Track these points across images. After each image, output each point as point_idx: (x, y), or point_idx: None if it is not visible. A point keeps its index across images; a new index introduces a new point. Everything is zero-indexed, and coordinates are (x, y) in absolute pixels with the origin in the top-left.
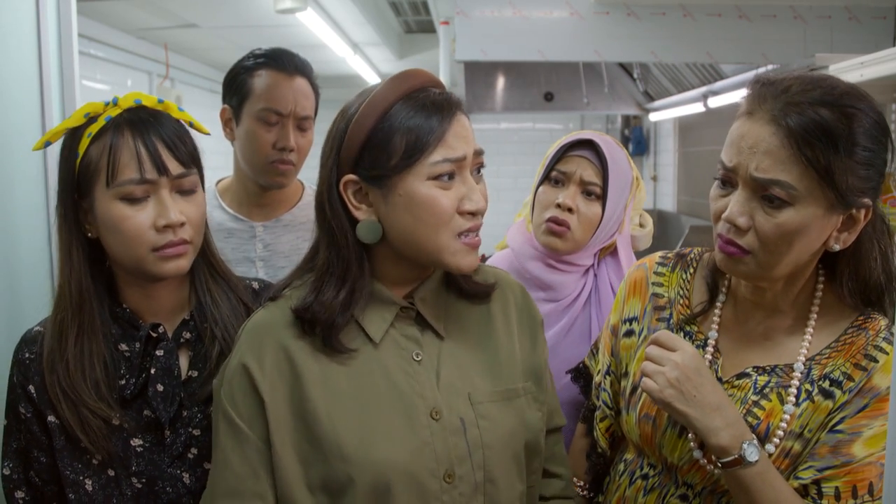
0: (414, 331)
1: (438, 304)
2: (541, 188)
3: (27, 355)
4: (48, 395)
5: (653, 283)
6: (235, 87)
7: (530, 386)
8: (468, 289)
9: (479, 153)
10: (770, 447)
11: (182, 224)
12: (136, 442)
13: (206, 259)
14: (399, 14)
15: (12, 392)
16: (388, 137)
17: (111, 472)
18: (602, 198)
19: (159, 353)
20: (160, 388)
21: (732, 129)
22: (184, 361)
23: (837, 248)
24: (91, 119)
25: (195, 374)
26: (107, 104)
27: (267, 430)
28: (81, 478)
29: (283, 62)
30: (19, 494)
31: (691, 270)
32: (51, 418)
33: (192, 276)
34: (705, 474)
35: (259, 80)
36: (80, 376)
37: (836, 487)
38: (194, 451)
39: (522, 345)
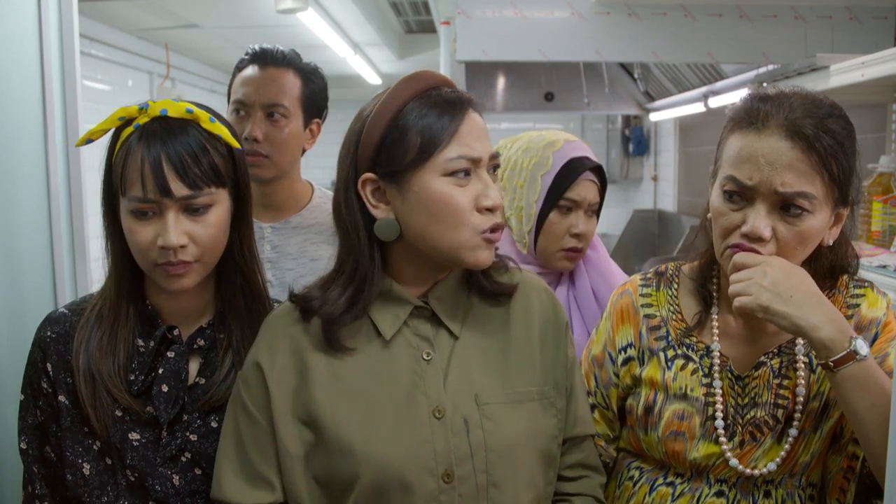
0: (427, 329)
1: (455, 304)
2: (551, 216)
3: (49, 333)
4: (62, 374)
5: (642, 306)
6: (228, 88)
7: (547, 391)
8: (489, 288)
9: (494, 156)
10: (798, 415)
11: (183, 246)
12: (133, 436)
13: (241, 270)
14: (400, 14)
15: (31, 367)
16: (403, 134)
17: (108, 461)
18: (597, 211)
19: (170, 354)
20: (165, 388)
21: (738, 146)
22: (193, 367)
23: (831, 242)
24: (126, 122)
25: (202, 381)
26: (140, 108)
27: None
28: (80, 461)
29: (257, 57)
30: (37, 467)
31: (675, 286)
32: (61, 398)
33: (220, 284)
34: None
35: (236, 79)
36: (108, 357)
37: None
38: (188, 454)
39: (544, 348)
